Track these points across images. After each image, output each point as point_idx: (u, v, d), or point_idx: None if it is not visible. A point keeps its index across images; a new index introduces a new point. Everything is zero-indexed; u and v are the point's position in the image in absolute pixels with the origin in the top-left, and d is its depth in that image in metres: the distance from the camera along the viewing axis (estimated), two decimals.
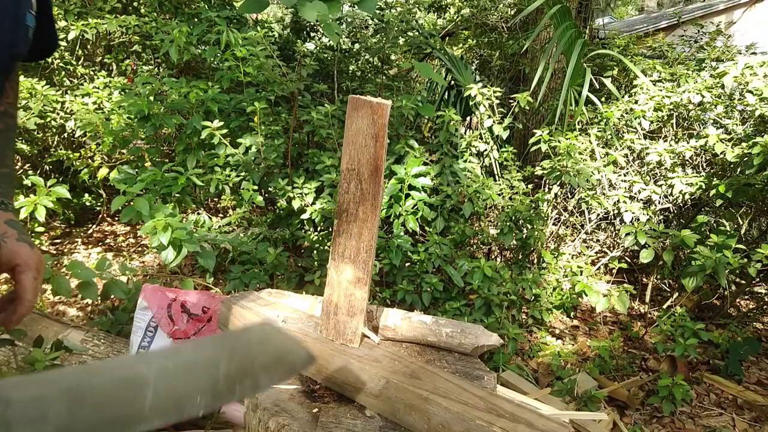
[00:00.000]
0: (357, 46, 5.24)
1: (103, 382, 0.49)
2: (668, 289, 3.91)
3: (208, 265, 2.55)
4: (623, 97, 3.86)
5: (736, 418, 2.75)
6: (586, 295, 3.04)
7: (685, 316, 2.92)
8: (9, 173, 0.82)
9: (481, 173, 3.59)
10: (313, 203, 3.09)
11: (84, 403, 0.46)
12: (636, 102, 3.67)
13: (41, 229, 3.68)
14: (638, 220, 3.27)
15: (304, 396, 1.04)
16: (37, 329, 2.26)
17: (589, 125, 3.75)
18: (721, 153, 3.18)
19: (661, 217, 3.87)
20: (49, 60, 3.86)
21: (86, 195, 4.32)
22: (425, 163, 3.34)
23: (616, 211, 3.54)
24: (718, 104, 3.53)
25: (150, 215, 2.40)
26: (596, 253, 3.91)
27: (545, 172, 3.41)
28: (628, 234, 3.04)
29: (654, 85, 3.70)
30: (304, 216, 3.06)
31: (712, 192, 3.12)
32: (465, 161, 3.57)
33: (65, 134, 4.00)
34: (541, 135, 3.47)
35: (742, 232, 3.59)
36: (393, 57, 4.95)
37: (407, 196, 3.09)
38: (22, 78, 3.60)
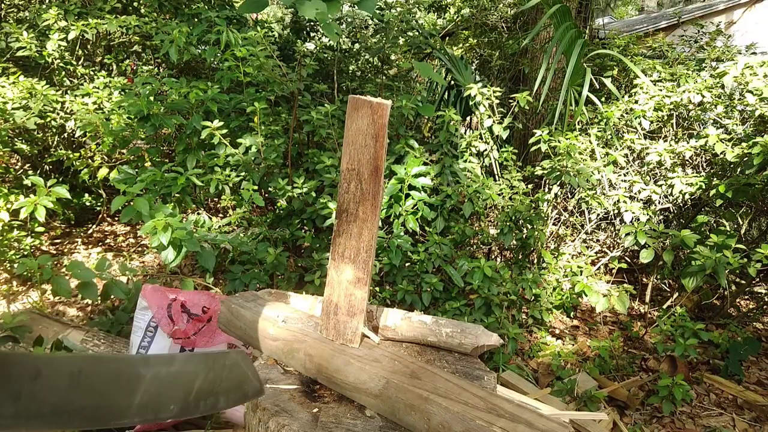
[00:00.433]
0: (357, 46, 5.24)
1: (105, 372, 0.53)
2: (668, 289, 3.91)
3: (208, 265, 2.55)
4: (623, 97, 3.86)
5: (736, 418, 2.75)
6: (586, 295, 3.04)
7: (685, 316, 2.92)
8: None
9: (481, 173, 3.59)
10: (313, 203, 3.09)
11: (82, 387, 0.51)
12: (636, 102, 3.67)
13: (41, 229, 3.67)
14: (638, 220, 3.27)
15: (304, 396, 1.04)
16: (37, 329, 2.26)
17: (589, 125, 3.75)
18: (721, 153, 3.18)
19: (661, 217, 3.87)
20: (49, 60, 3.86)
21: (86, 195, 4.32)
22: (425, 163, 3.35)
23: (616, 211, 3.54)
24: (718, 104, 3.53)
25: (150, 215, 2.40)
26: (596, 253, 3.91)
27: (545, 172, 3.41)
28: (628, 234, 3.04)
29: (654, 85, 3.70)
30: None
31: (712, 192, 3.12)
32: (465, 161, 3.57)
33: (65, 134, 3.99)
34: (541, 135, 3.47)
35: (742, 232, 3.59)
36: (393, 57, 4.95)
37: (407, 196, 3.08)
38: (22, 78, 3.60)
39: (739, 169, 3.23)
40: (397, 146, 3.32)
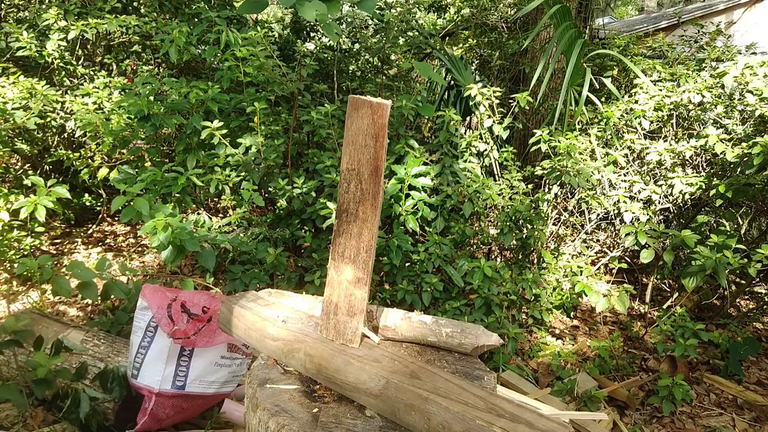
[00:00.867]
0: (357, 46, 5.24)
1: None
2: (668, 289, 3.91)
3: (208, 265, 2.55)
4: (623, 97, 3.86)
5: (736, 418, 2.75)
6: (586, 295, 3.04)
7: (685, 316, 2.92)
8: None
9: (481, 173, 3.58)
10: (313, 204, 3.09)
11: None
12: (636, 102, 3.67)
13: (41, 229, 3.67)
14: (638, 220, 3.27)
15: (304, 396, 1.04)
16: (37, 329, 2.26)
17: (589, 125, 3.75)
18: (721, 153, 3.18)
19: (661, 217, 3.87)
20: (49, 60, 3.86)
21: (86, 195, 4.32)
22: (425, 163, 3.34)
23: (616, 211, 3.54)
24: (718, 104, 3.53)
25: (150, 215, 2.40)
26: (596, 253, 3.91)
27: (545, 172, 3.41)
28: (628, 234, 3.04)
29: (654, 84, 3.70)
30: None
31: (712, 192, 3.12)
32: (465, 161, 3.57)
33: (65, 134, 3.99)
34: (541, 135, 3.46)
35: (742, 232, 3.59)
36: (393, 57, 4.95)
37: (407, 196, 3.08)
38: (22, 78, 3.60)
39: (739, 169, 3.23)
40: (397, 146, 3.32)
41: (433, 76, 3.55)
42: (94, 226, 4.39)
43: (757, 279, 3.52)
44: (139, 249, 4.18)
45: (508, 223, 3.22)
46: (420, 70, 3.49)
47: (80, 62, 4.23)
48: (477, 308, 2.94)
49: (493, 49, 5.66)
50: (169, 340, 1.95)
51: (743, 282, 3.58)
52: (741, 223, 3.62)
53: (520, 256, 3.49)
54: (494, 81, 5.53)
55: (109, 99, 3.58)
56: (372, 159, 0.97)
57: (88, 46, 4.30)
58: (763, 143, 2.87)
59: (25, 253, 3.42)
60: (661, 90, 3.61)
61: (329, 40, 4.83)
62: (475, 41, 6.10)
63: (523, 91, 3.67)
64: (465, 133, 4.75)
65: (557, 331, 3.52)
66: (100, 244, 4.23)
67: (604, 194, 3.52)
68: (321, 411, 0.99)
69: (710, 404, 2.87)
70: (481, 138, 3.66)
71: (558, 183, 3.49)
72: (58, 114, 3.68)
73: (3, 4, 4.56)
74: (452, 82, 4.53)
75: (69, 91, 3.90)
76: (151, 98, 3.17)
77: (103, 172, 3.69)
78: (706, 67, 4.21)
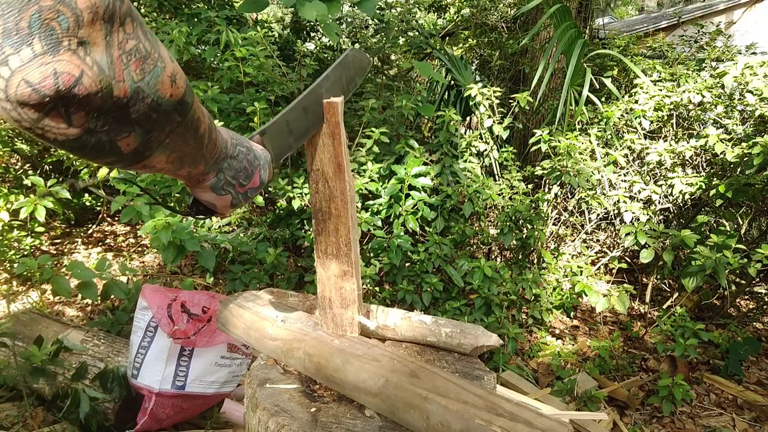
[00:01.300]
0: (357, 46, 5.24)
1: (300, 111, 0.94)
2: (668, 289, 3.91)
3: (208, 265, 2.55)
4: (623, 97, 3.86)
5: (736, 418, 2.75)
6: (586, 295, 3.04)
7: (685, 316, 2.92)
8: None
9: (481, 173, 3.59)
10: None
11: (292, 127, 0.93)
12: (636, 102, 3.67)
13: (41, 229, 3.67)
14: (638, 220, 3.27)
15: (304, 396, 1.04)
16: (37, 329, 2.26)
17: (589, 125, 3.75)
18: (721, 153, 3.18)
19: (661, 217, 3.87)
20: None
21: (86, 195, 4.32)
22: (425, 163, 3.34)
23: (616, 211, 3.54)
24: (718, 104, 3.53)
25: (150, 215, 2.41)
26: (596, 253, 3.91)
27: (545, 172, 3.41)
28: (628, 234, 3.04)
29: (654, 84, 3.70)
30: None
31: (712, 192, 3.12)
32: (465, 161, 3.57)
33: None
34: (541, 135, 3.47)
35: (742, 232, 3.59)
36: (393, 57, 4.95)
37: (407, 196, 3.08)
38: None
39: (739, 169, 3.23)
40: (397, 146, 3.32)
41: (433, 75, 3.56)
42: (94, 226, 4.39)
43: (757, 279, 3.52)
44: (139, 249, 4.18)
45: (508, 223, 3.22)
46: (420, 70, 3.50)
47: None
48: (477, 308, 2.94)
49: (493, 49, 5.66)
50: (169, 340, 1.96)
51: (743, 282, 3.58)
52: (741, 223, 3.62)
53: (520, 256, 3.50)
54: (494, 81, 5.53)
55: None
56: (333, 157, 1.01)
57: None
58: (763, 143, 2.87)
59: (25, 253, 3.42)
60: (661, 90, 3.61)
61: (329, 40, 4.82)
62: (475, 41, 6.10)
63: (523, 91, 3.67)
64: (465, 133, 4.75)
65: (557, 331, 3.53)
66: (100, 244, 4.23)
67: (604, 194, 3.53)
68: (321, 411, 0.99)
69: (710, 404, 2.87)
70: (481, 138, 3.66)
71: (558, 183, 3.49)
72: None
73: None
74: (452, 82, 4.53)
75: None
76: None
77: (103, 172, 3.68)
78: (706, 67, 4.21)
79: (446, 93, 4.68)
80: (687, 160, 3.64)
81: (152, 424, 1.97)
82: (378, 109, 3.42)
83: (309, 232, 3.29)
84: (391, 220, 3.13)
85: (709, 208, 3.75)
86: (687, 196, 3.45)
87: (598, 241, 4.00)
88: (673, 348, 2.73)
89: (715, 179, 3.26)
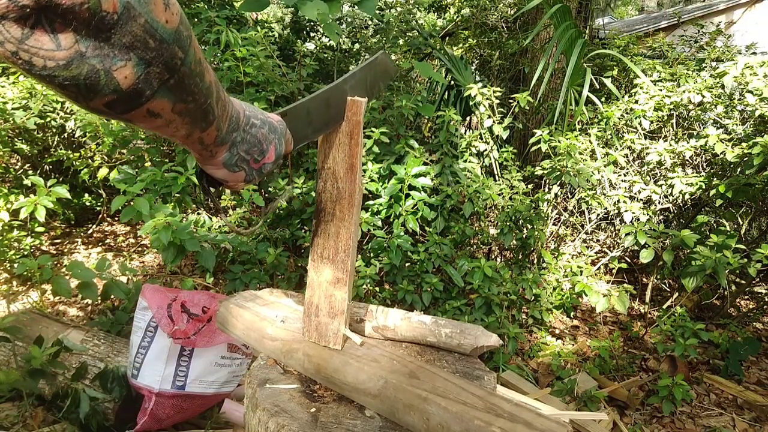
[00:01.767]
0: (357, 46, 5.24)
1: (322, 103, 0.92)
2: (668, 289, 3.91)
3: (208, 265, 2.55)
4: (623, 97, 3.86)
5: (736, 418, 2.75)
6: (586, 295, 3.04)
7: (685, 316, 2.92)
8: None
9: (481, 173, 3.59)
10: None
11: (313, 118, 0.91)
12: (636, 102, 3.67)
13: (41, 229, 3.67)
14: (638, 220, 3.27)
15: (304, 396, 1.04)
16: (37, 329, 2.26)
17: (589, 125, 3.75)
18: (721, 153, 3.18)
19: (661, 217, 3.87)
20: None
21: (86, 195, 4.32)
22: (425, 163, 3.34)
23: (616, 211, 3.54)
24: (718, 104, 3.53)
25: (150, 215, 2.41)
26: (596, 253, 3.91)
27: (545, 172, 3.41)
28: (628, 234, 3.04)
29: (654, 84, 3.70)
30: None
31: (712, 192, 3.12)
32: (465, 161, 3.57)
33: (65, 134, 3.99)
34: (541, 135, 3.47)
35: (742, 232, 3.59)
36: (393, 57, 4.95)
37: (407, 196, 3.08)
38: (21, 78, 3.60)
39: (739, 169, 3.23)
40: (397, 146, 3.32)
41: (433, 76, 3.56)
42: (94, 226, 4.39)
43: (757, 279, 3.52)
44: (139, 249, 4.18)
45: (508, 223, 3.22)
46: (420, 70, 3.50)
47: None
48: (477, 308, 2.94)
49: (493, 49, 5.66)
50: (169, 340, 1.96)
51: (743, 282, 3.58)
52: (741, 223, 3.62)
53: (520, 256, 3.50)
54: (494, 81, 5.53)
55: None
56: (347, 156, 0.97)
57: None
58: (763, 143, 2.87)
59: (25, 253, 3.42)
60: (661, 90, 3.61)
61: (329, 40, 4.82)
62: (475, 41, 6.10)
63: (523, 91, 3.67)
64: (465, 133, 4.75)
65: (557, 331, 3.53)
66: (100, 244, 4.23)
67: (604, 194, 3.53)
68: (320, 411, 0.99)
69: (710, 404, 2.87)
70: (481, 138, 3.67)
71: (558, 183, 3.49)
72: (57, 114, 3.68)
73: None
74: (452, 82, 4.53)
75: None
76: None
77: (103, 172, 3.69)
78: (706, 67, 4.21)
79: (446, 93, 4.68)
80: (687, 160, 3.64)
81: (152, 424, 1.97)
82: (378, 109, 3.42)
83: (309, 232, 3.29)
84: (391, 220, 3.14)
85: (709, 208, 3.75)
86: (687, 196, 3.45)
87: (598, 241, 4.00)
88: (673, 348, 2.73)
89: (715, 179, 3.26)
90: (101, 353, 2.19)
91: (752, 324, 3.66)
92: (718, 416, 2.77)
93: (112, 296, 2.50)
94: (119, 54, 0.50)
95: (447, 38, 6.76)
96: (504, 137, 3.64)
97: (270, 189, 3.15)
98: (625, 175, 3.71)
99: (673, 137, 3.72)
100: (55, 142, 3.97)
